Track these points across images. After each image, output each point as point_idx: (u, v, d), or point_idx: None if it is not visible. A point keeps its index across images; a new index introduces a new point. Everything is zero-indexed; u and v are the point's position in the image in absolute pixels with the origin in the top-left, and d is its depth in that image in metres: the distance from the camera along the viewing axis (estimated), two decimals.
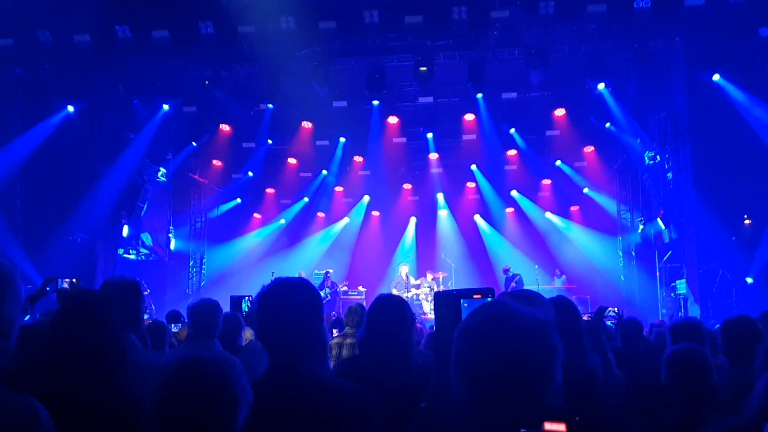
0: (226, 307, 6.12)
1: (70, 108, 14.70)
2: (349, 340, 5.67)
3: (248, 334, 5.48)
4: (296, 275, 9.99)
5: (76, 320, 2.45)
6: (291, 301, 2.29)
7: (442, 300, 1.89)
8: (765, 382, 3.28)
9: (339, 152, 19.09)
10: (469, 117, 17.71)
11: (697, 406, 3.17)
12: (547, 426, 0.97)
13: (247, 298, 6.79)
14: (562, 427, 0.97)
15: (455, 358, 1.52)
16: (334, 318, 9.85)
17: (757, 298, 12.18)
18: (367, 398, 2.30)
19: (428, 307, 15.18)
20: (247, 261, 19.79)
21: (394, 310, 3.33)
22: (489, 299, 1.86)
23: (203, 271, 19.50)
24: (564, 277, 17.67)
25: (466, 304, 1.88)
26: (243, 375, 1.74)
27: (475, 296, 1.88)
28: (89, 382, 2.31)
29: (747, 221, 13.66)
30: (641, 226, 16.96)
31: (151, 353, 4.00)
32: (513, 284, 16.35)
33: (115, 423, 2.26)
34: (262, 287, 2.40)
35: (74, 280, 5.44)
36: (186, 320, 6.76)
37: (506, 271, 17.05)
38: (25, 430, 1.74)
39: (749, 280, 13.05)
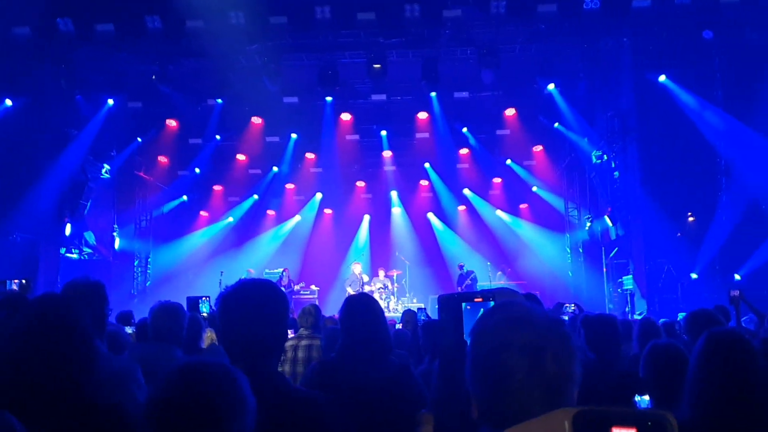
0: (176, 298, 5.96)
1: (9, 102, 14.14)
2: (304, 342, 5.58)
3: (210, 335, 5.33)
4: (245, 274, 9.89)
5: (42, 327, 2.29)
6: (256, 304, 2.19)
7: (445, 303, 1.83)
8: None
9: (290, 149, 18.88)
10: (423, 115, 17.78)
11: (671, 397, 3.23)
12: (615, 431, 0.91)
13: (204, 298, 6.63)
14: (632, 431, 0.91)
15: (472, 362, 1.46)
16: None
17: (702, 292, 12.55)
18: (329, 406, 2.23)
19: (382, 305, 15.13)
20: (195, 260, 19.40)
21: (369, 310, 3.29)
22: (491, 302, 1.80)
23: (149, 271, 19.05)
24: (506, 275, 17.85)
25: (468, 307, 1.83)
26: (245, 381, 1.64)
27: (476, 299, 1.83)
28: (60, 393, 2.16)
29: (691, 218, 14.06)
30: (588, 224, 17.29)
31: (120, 358, 3.83)
32: (468, 281, 16.47)
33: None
34: (226, 288, 2.31)
35: (23, 281, 5.19)
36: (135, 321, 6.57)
37: (461, 267, 17.16)
38: None
39: (694, 275, 13.45)
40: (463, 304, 1.80)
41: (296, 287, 17.19)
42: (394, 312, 15.00)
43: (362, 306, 3.37)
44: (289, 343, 5.58)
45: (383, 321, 3.39)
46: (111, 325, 5.42)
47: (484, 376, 1.44)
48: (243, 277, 16.23)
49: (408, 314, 7.71)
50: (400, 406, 2.98)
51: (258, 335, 2.14)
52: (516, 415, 1.37)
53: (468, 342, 1.50)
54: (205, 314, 6.44)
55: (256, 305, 2.17)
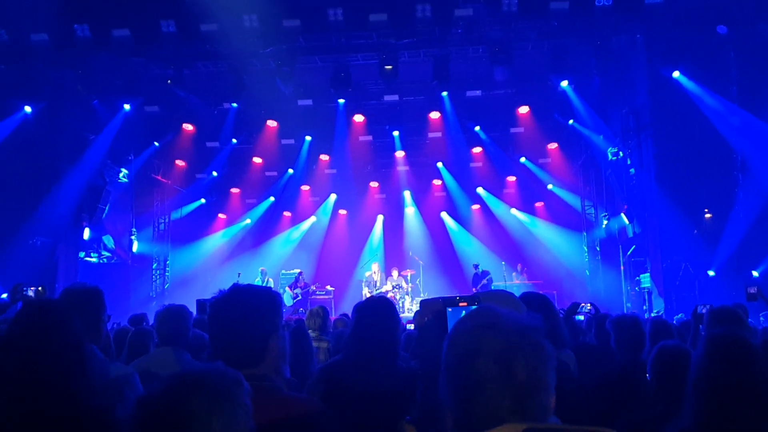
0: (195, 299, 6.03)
1: (28, 108, 14.30)
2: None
3: None
4: (259, 274, 9.93)
5: (30, 332, 2.33)
6: (244, 310, 2.19)
7: (428, 307, 1.85)
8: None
9: (305, 151, 18.95)
10: (435, 115, 17.76)
11: (677, 402, 3.19)
12: None
13: None
14: None
15: (444, 369, 1.48)
16: (302, 315, 9.78)
17: (720, 290, 12.40)
18: (317, 406, 2.25)
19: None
20: (213, 262, 19.55)
21: (383, 314, 3.30)
22: (474, 306, 1.82)
23: (167, 274, 19.21)
24: (525, 274, 17.72)
25: (449, 310, 1.84)
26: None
27: (460, 303, 1.84)
28: (49, 397, 2.20)
29: (708, 215, 13.91)
30: (605, 222, 17.17)
31: (117, 364, 3.87)
32: (484, 281, 16.43)
33: None
34: (218, 292, 2.32)
35: (40, 288, 5.27)
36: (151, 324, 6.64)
37: (476, 267, 17.11)
38: None
39: (711, 273, 13.30)
40: (447, 309, 1.82)
41: (312, 287, 17.26)
42: (408, 312, 15.02)
43: (375, 309, 3.37)
44: None
45: (394, 326, 3.38)
46: (138, 328, 5.49)
47: (455, 383, 1.43)
48: (258, 277, 16.36)
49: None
50: (400, 410, 2.99)
51: (245, 341, 2.14)
52: (488, 423, 1.37)
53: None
54: None
55: (243, 311, 2.18)
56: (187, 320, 4.50)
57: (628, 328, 4.52)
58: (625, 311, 14.18)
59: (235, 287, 2.26)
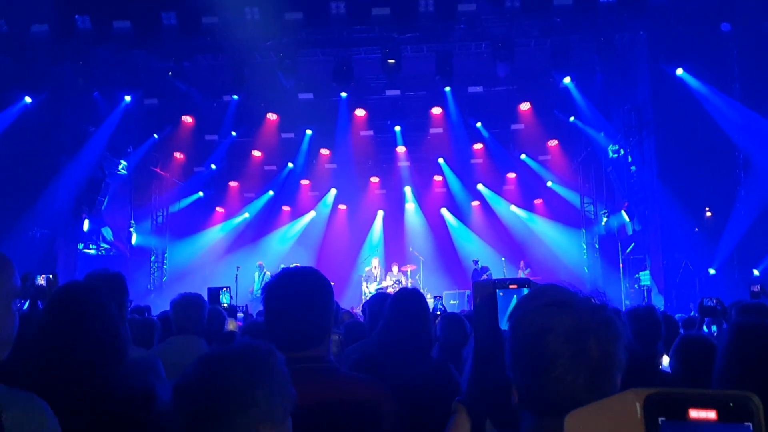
0: None
1: (28, 99, 14.24)
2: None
3: (231, 325, 5.37)
4: (256, 268, 9.92)
5: (71, 314, 2.32)
6: (300, 293, 2.20)
7: (480, 290, 1.83)
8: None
9: (305, 145, 18.91)
10: (436, 110, 17.73)
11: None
12: (693, 414, 0.85)
13: (224, 289, 6.65)
14: (712, 414, 0.85)
15: (512, 347, 1.46)
16: None
17: (720, 288, 12.42)
18: (382, 388, 2.24)
19: None
20: (211, 256, 19.49)
21: (417, 305, 3.30)
22: (525, 289, 1.80)
23: (165, 266, 19.15)
24: (528, 269, 17.75)
25: (501, 294, 1.83)
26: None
27: (510, 286, 1.83)
28: (89, 378, 2.19)
29: (709, 213, 13.94)
30: (605, 219, 17.20)
31: (140, 349, 3.87)
32: (484, 277, 16.41)
33: (122, 418, 2.16)
34: (271, 277, 2.33)
35: (51, 276, 5.22)
36: (152, 315, 6.61)
37: (476, 263, 17.12)
38: (32, 430, 1.64)
39: (712, 271, 13.33)
40: (498, 291, 1.80)
41: None
42: None
43: (413, 300, 3.38)
44: None
45: (429, 318, 3.40)
46: (143, 317, 5.48)
47: (526, 362, 1.43)
48: (256, 271, 16.26)
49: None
50: (439, 402, 2.98)
51: (303, 323, 2.14)
52: (560, 401, 1.35)
53: (504, 328, 1.50)
54: (225, 305, 6.48)
55: (299, 293, 2.18)
56: (203, 309, 4.52)
57: (645, 318, 4.52)
58: (623, 309, 14.24)
59: (288, 270, 2.26)
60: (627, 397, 0.89)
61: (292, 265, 2.50)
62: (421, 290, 14.99)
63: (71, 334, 2.21)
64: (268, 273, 16.55)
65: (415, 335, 3.21)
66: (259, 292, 15.68)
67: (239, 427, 1.49)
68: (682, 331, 4.13)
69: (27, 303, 4.60)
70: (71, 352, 2.18)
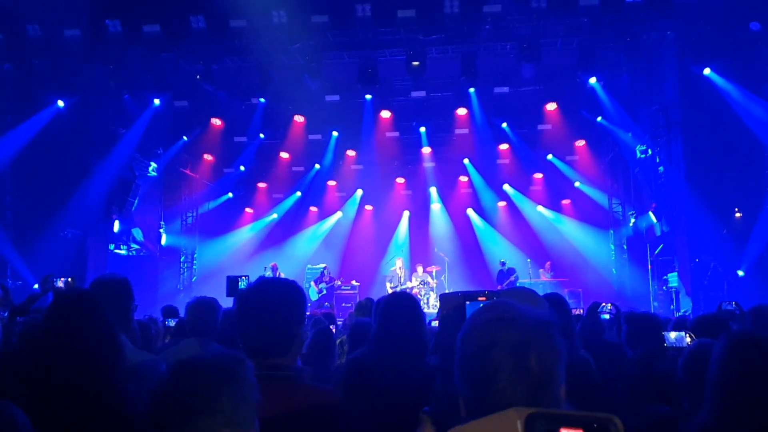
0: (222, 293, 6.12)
1: (60, 103, 14.59)
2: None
3: None
4: (269, 271, 9.92)
5: (68, 320, 2.41)
6: (271, 303, 2.27)
7: (447, 302, 1.88)
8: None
9: (332, 146, 19.05)
10: (462, 111, 17.71)
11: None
12: None
13: (243, 277, 6.74)
14: None
15: (459, 359, 1.51)
16: (327, 309, 9.80)
17: (749, 290, 12.25)
18: (340, 403, 2.29)
19: (422, 301, 15.19)
20: (239, 256, 19.73)
21: (409, 309, 3.33)
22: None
23: (194, 267, 19.45)
24: (552, 272, 17.58)
25: (468, 304, 1.87)
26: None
27: (479, 298, 1.87)
28: (84, 382, 2.28)
29: (738, 214, 13.73)
30: (633, 220, 17.02)
31: (144, 353, 3.97)
32: (512, 278, 16.39)
33: (112, 422, 2.24)
34: (246, 285, 2.39)
35: (69, 279, 5.38)
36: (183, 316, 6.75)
37: (503, 264, 17.07)
38: None
39: (740, 272, 13.13)
40: (466, 303, 1.84)
41: (337, 282, 17.34)
42: (434, 308, 15.02)
43: (402, 305, 3.40)
44: None
45: (422, 322, 3.42)
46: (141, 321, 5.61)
47: (470, 374, 1.48)
48: (269, 272, 16.34)
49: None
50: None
51: (271, 332, 2.21)
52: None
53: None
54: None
55: (270, 303, 2.25)
56: (216, 313, 4.62)
57: (641, 322, 4.50)
58: (651, 310, 14.09)
59: (263, 280, 2.33)
60: (510, 415, 0.97)
61: (317, 267, 2.56)
62: (446, 291, 15.06)
63: (65, 343, 2.30)
64: (282, 275, 16.63)
65: (407, 340, 3.23)
66: None
67: (204, 431, 1.57)
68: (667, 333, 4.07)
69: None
70: (65, 360, 2.27)
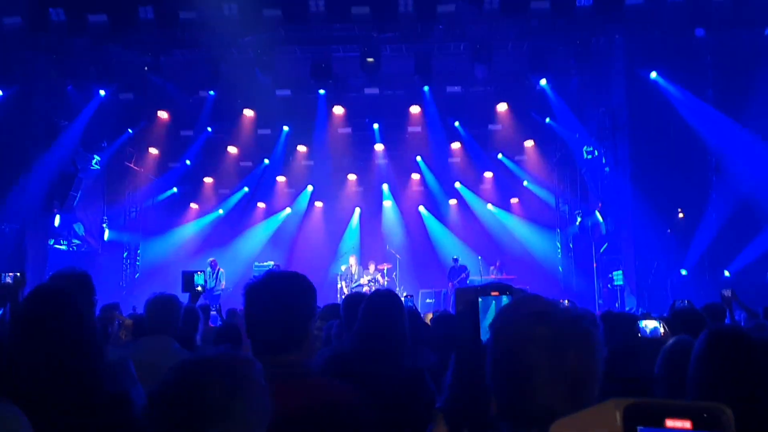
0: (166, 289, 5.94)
1: None
2: None
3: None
4: (207, 262, 9.69)
5: (45, 315, 2.29)
6: (286, 295, 2.20)
7: (462, 296, 1.83)
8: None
9: (282, 141, 18.83)
10: (415, 109, 17.77)
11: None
12: (669, 423, 0.89)
13: (199, 272, 6.56)
14: (687, 424, 0.90)
15: (492, 357, 1.47)
16: None
17: (691, 289, 12.64)
18: (357, 396, 2.24)
19: None
20: (184, 253, 19.27)
21: (392, 307, 3.29)
22: (505, 297, 1.81)
23: (138, 263, 18.96)
24: (503, 271, 17.73)
25: (480, 300, 1.82)
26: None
27: (492, 293, 1.82)
28: (67, 380, 2.16)
29: (681, 214, 14.15)
30: (579, 219, 17.36)
31: (111, 349, 3.83)
32: (463, 275, 16.51)
33: (102, 422, 2.13)
34: (251, 279, 2.31)
35: (18, 274, 5.14)
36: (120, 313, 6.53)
37: (455, 261, 17.18)
38: None
39: (684, 271, 13.54)
40: (479, 298, 1.80)
41: None
42: None
43: (388, 303, 3.37)
44: None
45: (404, 321, 3.39)
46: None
47: (505, 372, 1.44)
48: (208, 268, 15.92)
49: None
50: (410, 408, 2.97)
51: (282, 328, 2.14)
52: (539, 413, 1.36)
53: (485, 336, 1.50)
54: (200, 288, 6.42)
55: (281, 297, 2.18)
56: (177, 310, 4.48)
57: (616, 320, 4.55)
58: (597, 308, 14.42)
59: (271, 273, 2.25)
60: (608, 407, 0.94)
61: (265, 265, 2.49)
62: (397, 288, 15.04)
63: (47, 341, 2.18)
64: (222, 270, 16.26)
65: (390, 339, 3.20)
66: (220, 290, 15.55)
67: None
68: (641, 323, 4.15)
69: None
70: (48, 358, 2.15)
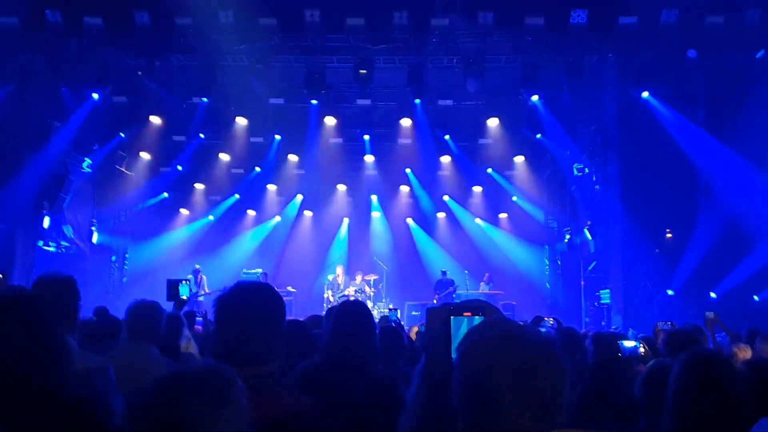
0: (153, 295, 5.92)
1: None
2: None
3: (189, 347, 5.26)
4: (193, 269, 9.69)
5: (4, 323, 2.25)
6: (259, 307, 2.20)
7: (435, 316, 1.84)
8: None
9: (274, 150, 18.82)
10: (406, 121, 17.81)
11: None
12: None
13: (185, 281, 6.53)
14: None
15: (459, 379, 1.47)
16: None
17: (678, 309, 12.68)
18: (318, 408, 2.23)
19: None
20: (173, 258, 19.18)
21: (361, 319, 3.28)
22: (478, 317, 1.82)
23: (126, 267, 18.86)
24: (491, 284, 17.76)
25: (452, 319, 1.83)
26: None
27: (465, 313, 1.84)
28: (26, 388, 2.13)
29: (669, 235, 14.23)
30: (568, 236, 17.40)
31: (91, 355, 3.79)
32: (450, 289, 16.48)
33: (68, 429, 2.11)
34: (223, 289, 2.31)
35: (0, 275, 5.12)
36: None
37: (443, 273, 17.14)
38: None
39: (670, 292, 13.59)
40: (452, 318, 1.81)
41: None
42: None
43: (352, 314, 3.36)
44: None
45: (373, 331, 3.39)
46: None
47: (472, 394, 1.43)
48: (191, 276, 15.83)
49: (383, 321, 7.59)
50: (379, 421, 2.96)
51: (256, 339, 2.14)
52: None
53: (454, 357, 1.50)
54: (185, 297, 6.40)
55: (254, 309, 2.18)
56: (159, 317, 4.46)
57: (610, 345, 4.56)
58: (583, 326, 14.43)
59: (241, 284, 2.25)
60: None
61: (253, 272, 2.50)
62: (383, 300, 14.99)
63: (5, 345, 2.14)
64: (204, 278, 16.20)
65: (359, 350, 3.20)
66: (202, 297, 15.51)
67: None
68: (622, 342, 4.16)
69: None
70: (5, 362, 2.11)
